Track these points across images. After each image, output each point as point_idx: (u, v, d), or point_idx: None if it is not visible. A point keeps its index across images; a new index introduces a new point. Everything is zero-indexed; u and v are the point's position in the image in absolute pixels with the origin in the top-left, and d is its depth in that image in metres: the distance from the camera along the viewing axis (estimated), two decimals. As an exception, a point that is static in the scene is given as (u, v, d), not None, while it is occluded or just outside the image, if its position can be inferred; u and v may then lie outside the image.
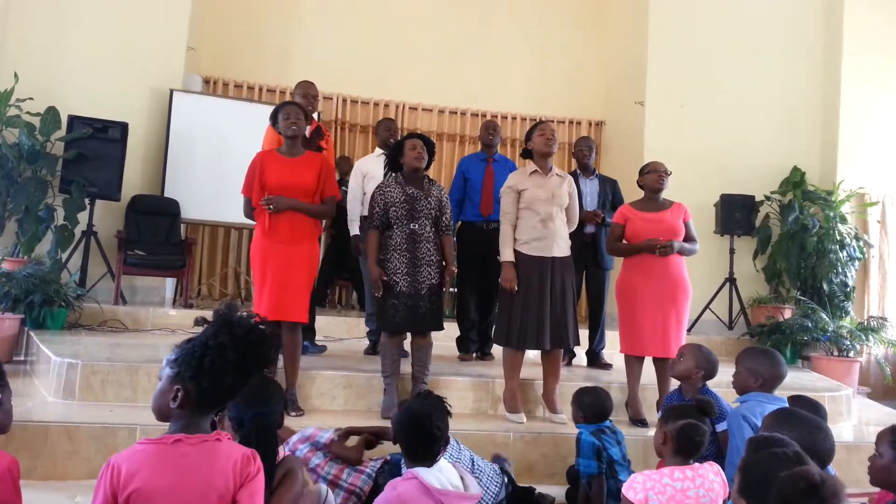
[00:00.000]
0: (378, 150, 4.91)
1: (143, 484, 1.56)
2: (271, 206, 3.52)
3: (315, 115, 4.66)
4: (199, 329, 1.77)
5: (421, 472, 2.16)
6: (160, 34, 6.41)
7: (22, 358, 4.76)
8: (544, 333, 3.75)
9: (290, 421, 3.35)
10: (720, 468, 2.41)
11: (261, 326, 1.77)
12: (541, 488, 3.06)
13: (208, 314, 1.79)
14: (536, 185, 3.89)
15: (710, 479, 2.30)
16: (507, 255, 3.84)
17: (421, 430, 2.21)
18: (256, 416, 2.10)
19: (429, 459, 2.21)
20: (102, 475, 1.58)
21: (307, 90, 4.38)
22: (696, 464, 2.34)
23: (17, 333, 4.77)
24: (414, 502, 2.08)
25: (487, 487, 2.72)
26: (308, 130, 4.05)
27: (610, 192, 5.00)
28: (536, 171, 3.94)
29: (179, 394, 1.65)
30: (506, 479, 2.87)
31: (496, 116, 7.97)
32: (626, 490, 2.25)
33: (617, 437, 3.06)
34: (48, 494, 2.86)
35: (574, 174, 4.86)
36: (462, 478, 2.27)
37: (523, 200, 3.87)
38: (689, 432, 2.31)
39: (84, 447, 3.14)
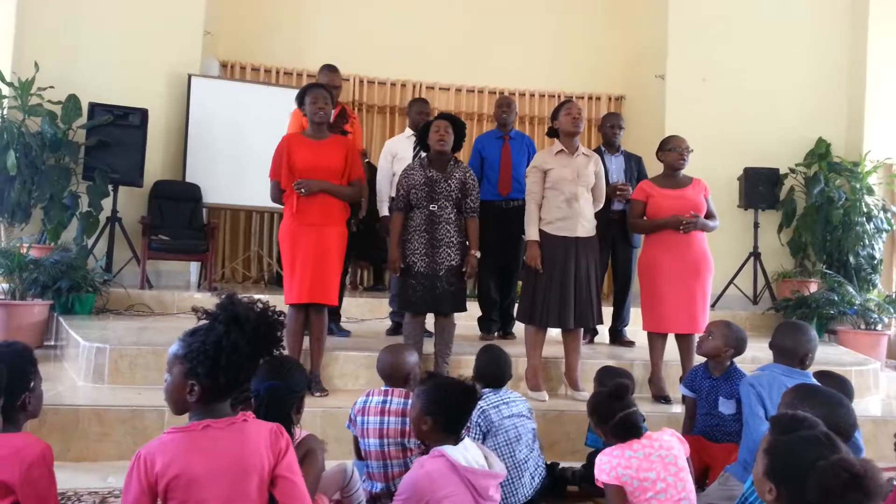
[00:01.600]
0: (408, 131, 4.89)
1: (181, 470, 1.57)
2: (303, 190, 3.52)
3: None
4: (202, 318, 1.80)
5: (448, 449, 2.17)
6: (177, 19, 6.42)
7: (52, 343, 4.85)
8: (568, 313, 3.76)
9: (313, 401, 3.40)
10: (674, 430, 2.45)
11: (268, 313, 1.84)
12: (563, 466, 3.08)
13: (209, 303, 1.82)
14: (562, 164, 3.87)
15: (665, 438, 2.34)
16: (532, 234, 3.84)
17: (451, 402, 2.23)
18: (270, 388, 2.12)
19: (455, 434, 2.23)
20: (133, 468, 1.58)
21: (332, 80, 4.34)
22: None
23: (46, 319, 4.85)
24: (441, 479, 2.10)
25: (533, 479, 2.77)
26: (332, 115, 4.04)
27: (635, 169, 4.94)
28: (562, 150, 3.91)
29: (195, 388, 1.67)
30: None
31: (514, 93, 7.87)
32: (599, 475, 2.30)
33: None
34: (81, 476, 2.93)
35: (598, 150, 4.81)
36: (486, 456, 2.29)
37: (549, 180, 3.86)
38: (627, 425, 2.35)
39: (114, 429, 3.21)
